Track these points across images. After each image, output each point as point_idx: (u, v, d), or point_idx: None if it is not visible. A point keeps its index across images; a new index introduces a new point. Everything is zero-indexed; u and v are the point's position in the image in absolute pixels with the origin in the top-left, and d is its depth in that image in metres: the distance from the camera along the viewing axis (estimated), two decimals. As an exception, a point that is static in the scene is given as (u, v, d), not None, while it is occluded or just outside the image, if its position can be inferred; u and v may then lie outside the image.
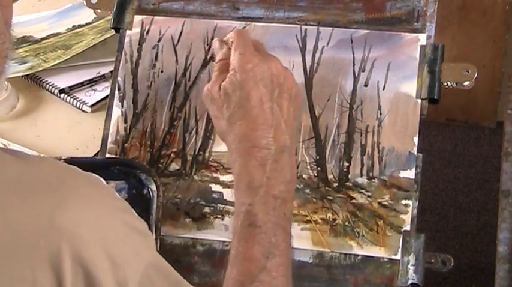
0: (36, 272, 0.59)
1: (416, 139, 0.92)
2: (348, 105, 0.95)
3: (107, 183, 0.90)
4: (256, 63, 0.81)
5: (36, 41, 1.31)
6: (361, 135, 0.94)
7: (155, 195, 0.91)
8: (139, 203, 0.90)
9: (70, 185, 0.63)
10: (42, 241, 0.59)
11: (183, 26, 1.01)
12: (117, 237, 0.63)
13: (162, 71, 1.00)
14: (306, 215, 0.92)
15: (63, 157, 0.93)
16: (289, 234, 0.79)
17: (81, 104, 1.18)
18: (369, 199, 0.91)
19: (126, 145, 0.98)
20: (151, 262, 0.65)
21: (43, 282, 0.59)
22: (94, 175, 0.69)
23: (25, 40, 1.32)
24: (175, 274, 0.69)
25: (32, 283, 0.59)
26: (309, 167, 0.94)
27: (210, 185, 0.95)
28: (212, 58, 0.99)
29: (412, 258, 0.88)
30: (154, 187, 0.91)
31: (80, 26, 1.32)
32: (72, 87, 1.21)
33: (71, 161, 0.92)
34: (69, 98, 1.19)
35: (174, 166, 0.96)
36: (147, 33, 1.02)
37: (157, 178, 0.92)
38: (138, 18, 1.03)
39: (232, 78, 0.81)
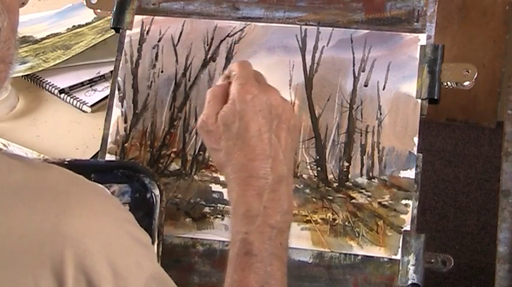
0: (38, 279, 0.59)
1: (416, 139, 0.92)
2: (348, 105, 0.95)
3: (110, 187, 0.90)
4: (256, 94, 0.81)
5: (36, 41, 1.31)
6: (361, 136, 0.94)
7: (158, 200, 0.90)
8: (142, 207, 0.90)
9: (76, 194, 0.63)
10: (46, 247, 0.60)
11: (183, 26, 1.01)
12: (120, 247, 0.63)
13: (162, 71, 1.00)
14: (306, 215, 0.92)
15: (67, 159, 0.93)
16: (284, 263, 0.79)
17: (81, 104, 1.18)
18: (369, 199, 0.91)
19: (126, 145, 0.98)
20: (153, 274, 0.65)
21: None
22: (100, 185, 0.69)
23: (25, 40, 1.32)
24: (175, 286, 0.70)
25: None
26: (309, 167, 0.94)
27: (210, 185, 0.95)
28: (212, 58, 1.00)
29: (412, 258, 0.88)
30: (157, 192, 0.91)
31: (80, 26, 1.32)
32: (72, 87, 1.21)
33: (75, 163, 0.92)
34: (69, 98, 1.19)
35: (174, 166, 0.96)
36: (147, 33, 1.02)
37: (160, 183, 0.91)
38: (138, 18, 1.02)
39: (231, 108, 0.80)
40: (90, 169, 0.91)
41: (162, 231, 0.90)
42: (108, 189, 0.91)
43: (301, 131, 0.94)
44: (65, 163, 0.91)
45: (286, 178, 0.80)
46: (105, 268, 0.61)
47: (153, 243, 0.86)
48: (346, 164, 0.93)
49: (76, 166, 0.87)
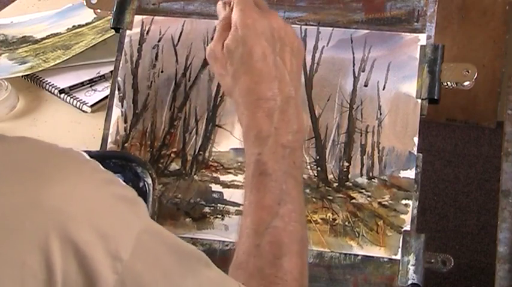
0: (24, 255, 0.58)
1: (416, 139, 0.92)
2: (348, 105, 0.95)
3: None
4: (256, 18, 0.83)
5: (36, 41, 1.31)
6: (361, 136, 0.94)
7: (151, 188, 0.91)
8: None
9: (51, 163, 0.62)
10: (28, 223, 0.58)
11: (183, 26, 1.01)
12: (104, 209, 0.62)
13: (162, 71, 1.00)
14: (306, 215, 0.92)
15: None
16: (299, 183, 0.80)
17: (81, 104, 1.18)
18: (369, 199, 0.91)
19: (126, 144, 0.98)
20: (144, 229, 0.64)
21: (32, 264, 0.58)
22: (76, 150, 0.67)
23: (25, 40, 1.32)
24: (173, 237, 0.69)
25: (21, 266, 0.58)
26: (309, 167, 0.94)
27: (210, 185, 0.95)
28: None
29: (412, 258, 0.88)
30: (150, 180, 0.91)
31: (80, 26, 1.32)
32: (72, 87, 1.21)
33: None
34: (69, 98, 1.19)
35: (174, 166, 0.96)
36: (147, 33, 1.02)
37: (152, 171, 0.92)
38: (138, 18, 1.03)
39: (234, 34, 0.82)
40: None
41: (156, 219, 0.90)
42: None
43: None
44: None
45: (294, 98, 0.82)
46: (91, 232, 0.60)
47: None
48: (346, 164, 0.93)
49: None
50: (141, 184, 0.91)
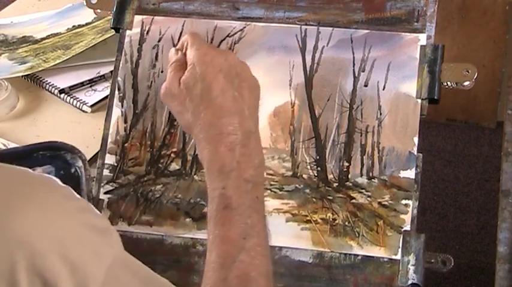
0: None
1: (416, 139, 0.92)
2: (348, 105, 0.95)
3: (34, 170, 0.87)
4: (214, 55, 0.85)
5: (36, 41, 1.31)
6: (361, 136, 0.94)
7: (82, 171, 0.91)
8: (69, 182, 0.87)
9: (19, 192, 0.61)
10: None
11: (183, 26, 1.01)
12: (73, 240, 0.61)
13: (162, 71, 1.00)
14: (306, 215, 0.92)
15: None
16: (263, 217, 0.80)
17: (81, 104, 1.18)
18: (369, 199, 0.91)
19: (126, 144, 0.98)
20: (116, 261, 0.63)
21: None
22: (47, 176, 0.66)
23: (25, 40, 1.32)
24: (146, 269, 0.68)
25: None
26: (309, 167, 0.94)
27: (210, 185, 0.95)
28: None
29: (412, 258, 0.88)
30: (80, 163, 0.91)
31: (80, 26, 1.32)
32: (72, 87, 1.21)
33: None
34: (69, 98, 1.20)
35: (174, 166, 0.96)
36: (147, 33, 1.02)
37: (81, 154, 0.92)
38: (138, 18, 1.02)
39: (192, 71, 0.84)
40: (9, 158, 0.89)
41: (91, 196, 0.91)
42: None
43: (301, 129, 0.94)
44: None
45: (255, 133, 0.83)
46: (60, 265, 0.59)
47: None
48: (346, 164, 0.93)
49: None
50: (72, 170, 0.91)
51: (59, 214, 0.61)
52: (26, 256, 0.58)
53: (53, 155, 0.92)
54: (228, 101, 0.82)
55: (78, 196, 0.66)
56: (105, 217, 0.65)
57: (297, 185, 0.93)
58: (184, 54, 0.88)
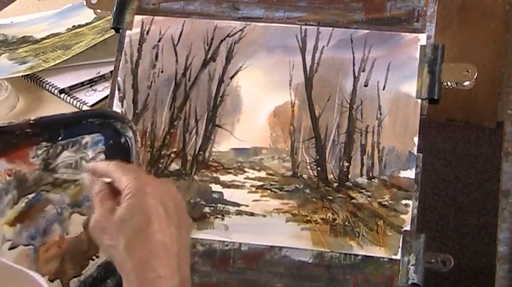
0: None
1: (416, 139, 0.92)
2: (348, 105, 0.95)
3: (83, 138, 0.85)
4: (156, 185, 0.74)
5: (36, 41, 1.31)
6: (361, 136, 0.94)
7: (133, 142, 0.87)
8: (119, 152, 0.86)
9: None
10: None
11: (183, 26, 1.01)
12: None
13: (162, 71, 1.00)
14: (306, 215, 0.92)
15: (32, 119, 0.86)
16: None
17: (81, 104, 1.18)
18: (369, 199, 0.91)
19: (126, 145, 0.98)
20: None
21: None
22: (34, 274, 0.61)
23: (25, 40, 1.32)
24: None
25: None
26: (309, 167, 0.94)
27: (210, 185, 0.95)
28: (212, 58, 1.00)
29: (412, 258, 0.88)
30: (131, 134, 0.87)
31: (80, 26, 1.32)
32: (72, 87, 1.21)
33: (41, 121, 0.86)
34: (69, 98, 1.19)
35: (174, 166, 0.96)
36: (147, 33, 1.02)
37: (132, 124, 0.88)
38: (138, 18, 1.03)
39: (130, 202, 0.72)
40: (58, 124, 0.87)
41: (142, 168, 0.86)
42: (80, 141, 0.87)
43: (301, 129, 0.94)
44: (31, 122, 0.86)
45: (189, 280, 0.73)
46: None
47: None
48: (346, 164, 0.93)
49: (41, 123, 0.84)
50: (122, 140, 0.88)
51: None
52: None
53: (102, 123, 0.87)
54: (168, 239, 0.71)
55: None
56: None
57: (297, 185, 0.93)
58: (109, 183, 0.77)
